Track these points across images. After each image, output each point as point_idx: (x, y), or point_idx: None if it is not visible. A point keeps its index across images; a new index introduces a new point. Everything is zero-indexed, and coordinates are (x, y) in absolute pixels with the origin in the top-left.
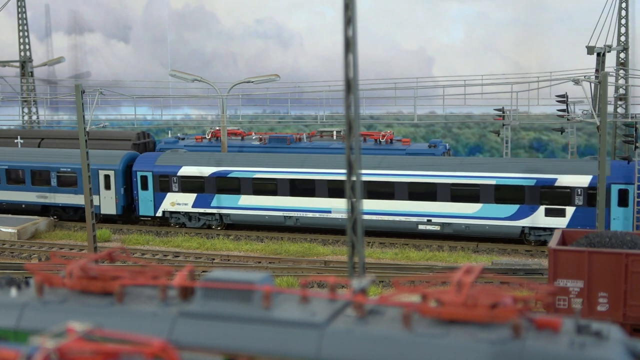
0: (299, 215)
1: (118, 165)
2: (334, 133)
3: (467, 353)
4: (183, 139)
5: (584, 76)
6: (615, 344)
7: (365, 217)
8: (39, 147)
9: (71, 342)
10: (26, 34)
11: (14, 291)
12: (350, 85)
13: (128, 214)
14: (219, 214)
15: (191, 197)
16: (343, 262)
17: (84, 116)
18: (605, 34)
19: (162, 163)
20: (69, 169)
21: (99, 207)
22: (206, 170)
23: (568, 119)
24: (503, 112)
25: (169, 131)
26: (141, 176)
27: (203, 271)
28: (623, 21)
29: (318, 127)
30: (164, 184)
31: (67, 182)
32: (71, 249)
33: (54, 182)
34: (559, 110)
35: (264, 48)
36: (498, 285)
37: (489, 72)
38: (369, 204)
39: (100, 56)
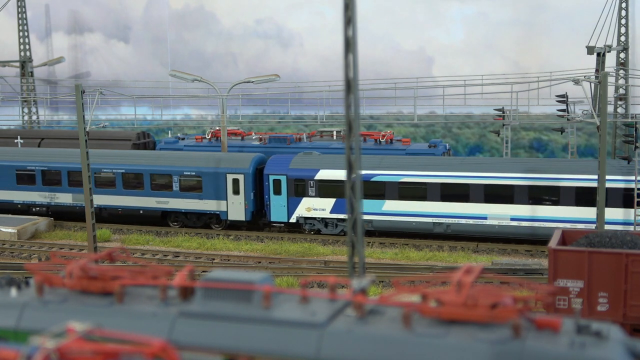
0: (450, 221)
1: (248, 169)
2: (334, 133)
3: (467, 353)
4: (183, 139)
5: (584, 76)
6: (615, 344)
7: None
8: (39, 147)
9: (71, 342)
10: (26, 34)
11: (14, 291)
12: (350, 85)
13: (256, 220)
14: None
15: (329, 203)
16: (343, 262)
17: (84, 116)
18: (605, 34)
19: (297, 166)
20: (193, 173)
21: (226, 212)
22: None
23: (568, 119)
24: (503, 112)
25: (169, 131)
26: (274, 180)
27: (203, 271)
28: (623, 21)
29: (318, 127)
30: (299, 189)
31: (191, 187)
32: (71, 249)
33: (175, 186)
34: (559, 110)
35: (264, 48)
36: (498, 285)
37: (489, 72)
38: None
39: (100, 56)
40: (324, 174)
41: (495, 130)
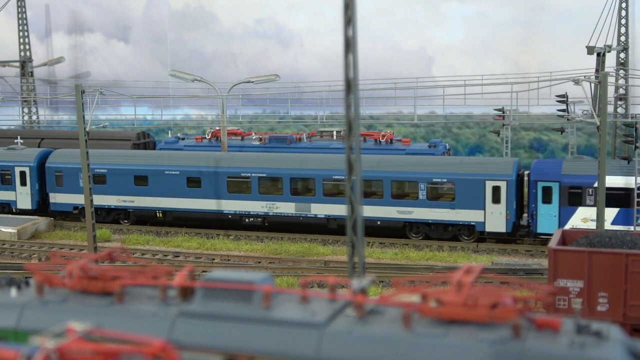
0: None
1: (511, 175)
2: (334, 133)
3: (467, 353)
4: (183, 139)
5: (584, 76)
6: (615, 344)
7: None
8: (39, 147)
9: (71, 342)
10: (26, 34)
11: (14, 291)
12: (350, 85)
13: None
14: None
15: (611, 213)
16: (343, 262)
17: (84, 116)
18: (605, 34)
19: (572, 172)
20: (445, 180)
21: (483, 223)
22: (631, 181)
23: (568, 119)
24: (503, 112)
25: (169, 131)
26: (543, 187)
27: (203, 271)
28: (623, 21)
29: (318, 127)
30: (574, 197)
31: (440, 196)
32: (71, 249)
33: (422, 195)
34: (559, 110)
35: (264, 48)
36: (498, 285)
37: (489, 72)
38: None
39: (100, 56)
40: (607, 181)
41: (495, 130)
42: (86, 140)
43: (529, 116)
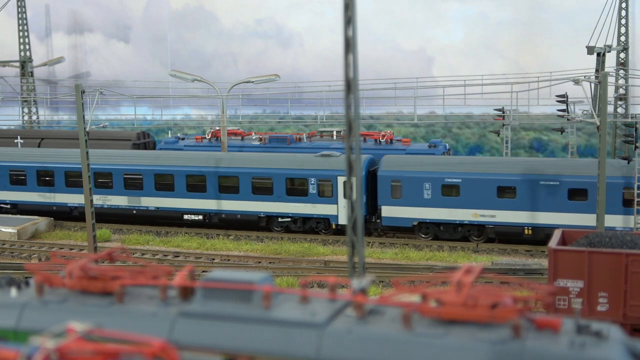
0: None
1: None
2: (334, 133)
3: (467, 353)
4: (183, 139)
5: (584, 76)
6: (615, 344)
7: None
8: (39, 147)
9: (71, 342)
10: (26, 34)
11: (14, 291)
12: (350, 85)
13: None
14: None
15: None
16: (343, 262)
17: (84, 116)
18: (605, 34)
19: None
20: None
21: None
22: None
23: (568, 119)
24: (503, 112)
25: (169, 131)
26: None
27: (203, 271)
28: (623, 21)
29: (318, 127)
30: None
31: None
32: (71, 249)
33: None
34: (559, 110)
35: (264, 48)
36: (498, 285)
37: (489, 72)
38: None
39: (100, 56)
40: None
41: (495, 130)
42: (86, 140)
43: (529, 116)
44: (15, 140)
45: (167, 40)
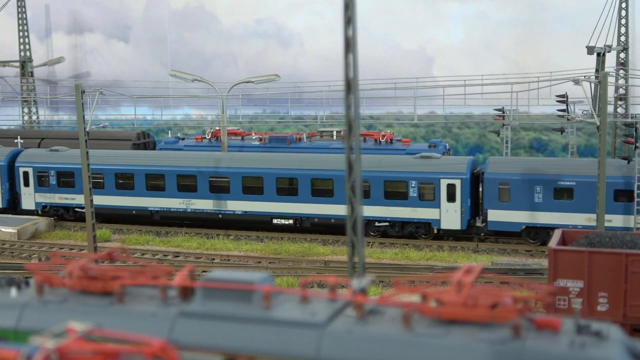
0: None
1: None
2: (334, 133)
3: (467, 353)
4: (183, 139)
5: (584, 76)
6: (615, 344)
7: None
8: (39, 147)
9: (71, 342)
10: (26, 34)
11: (14, 291)
12: (350, 85)
13: None
14: None
15: None
16: (343, 262)
17: (84, 116)
18: (605, 34)
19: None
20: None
21: None
22: None
23: (568, 119)
24: (503, 112)
25: (169, 131)
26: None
27: (203, 271)
28: (623, 21)
29: (318, 127)
30: None
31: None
32: (71, 249)
33: None
34: (559, 110)
35: (264, 48)
36: (498, 285)
37: (489, 72)
38: None
39: (100, 56)
40: None
41: (495, 130)
42: (86, 140)
43: (529, 116)
44: (15, 140)
45: (167, 40)
